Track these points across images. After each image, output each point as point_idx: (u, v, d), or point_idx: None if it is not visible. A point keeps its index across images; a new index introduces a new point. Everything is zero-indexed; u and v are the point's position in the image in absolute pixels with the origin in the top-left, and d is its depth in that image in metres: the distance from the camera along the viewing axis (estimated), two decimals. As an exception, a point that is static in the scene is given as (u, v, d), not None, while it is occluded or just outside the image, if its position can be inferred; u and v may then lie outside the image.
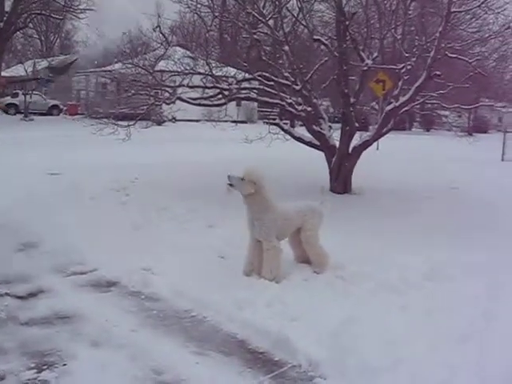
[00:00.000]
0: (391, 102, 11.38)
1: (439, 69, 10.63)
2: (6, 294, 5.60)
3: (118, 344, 4.52)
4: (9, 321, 4.98)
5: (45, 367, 4.13)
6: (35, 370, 4.08)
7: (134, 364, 4.21)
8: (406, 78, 11.11)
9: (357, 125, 11.68)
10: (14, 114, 40.22)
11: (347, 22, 10.89)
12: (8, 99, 43.12)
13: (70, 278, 6.21)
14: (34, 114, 40.26)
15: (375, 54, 11.72)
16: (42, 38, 65.99)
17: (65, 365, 4.18)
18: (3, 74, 44.97)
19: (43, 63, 46.14)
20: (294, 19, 12.20)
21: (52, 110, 44.37)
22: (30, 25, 48.80)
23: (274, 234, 6.15)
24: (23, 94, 41.18)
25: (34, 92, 41.81)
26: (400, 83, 11.29)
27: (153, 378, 4.03)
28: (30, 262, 6.71)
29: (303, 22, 11.90)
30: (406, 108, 11.42)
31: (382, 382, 3.91)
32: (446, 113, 13.39)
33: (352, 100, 11.44)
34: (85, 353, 4.34)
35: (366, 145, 11.69)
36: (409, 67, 10.90)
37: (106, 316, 5.11)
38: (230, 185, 5.98)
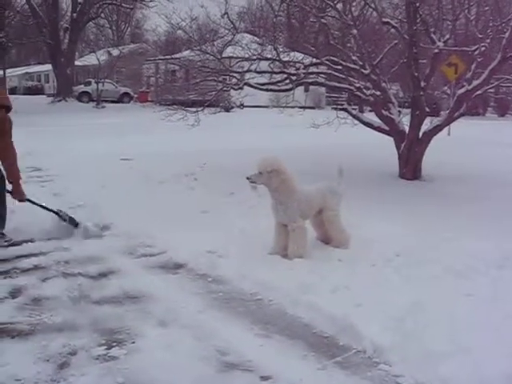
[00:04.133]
0: (463, 86, 11.06)
1: (515, 50, 10.23)
2: (79, 274, 5.80)
3: (184, 324, 4.60)
4: (81, 299, 5.15)
5: (114, 344, 4.26)
6: (105, 347, 4.21)
7: (200, 344, 4.27)
8: (479, 60, 10.75)
9: (427, 110, 11.41)
10: (87, 102, 41.44)
11: (417, 4, 10.63)
12: (81, 87, 44.47)
13: (139, 260, 6.36)
14: (106, 101, 41.42)
15: (447, 36, 11.39)
16: (113, 28, 67.68)
17: (133, 342, 4.29)
18: (76, 63, 46.34)
19: (115, 52, 47.31)
20: (362, 2, 12.04)
21: (123, 98, 45.60)
22: (102, 15, 50.16)
23: (298, 216, 6.25)
24: (96, 82, 42.40)
25: (106, 80, 42.95)
26: (473, 66, 10.94)
27: (218, 358, 4.08)
28: (101, 243, 6.93)
29: (372, 5, 11.72)
30: (479, 92, 11.07)
31: (446, 369, 3.81)
32: (523, 97, 12.91)
33: (422, 84, 11.18)
34: (153, 332, 4.44)
35: (436, 130, 11.42)
36: (482, 49, 10.54)
37: (173, 297, 5.22)
38: (253, 182, 6.09)
